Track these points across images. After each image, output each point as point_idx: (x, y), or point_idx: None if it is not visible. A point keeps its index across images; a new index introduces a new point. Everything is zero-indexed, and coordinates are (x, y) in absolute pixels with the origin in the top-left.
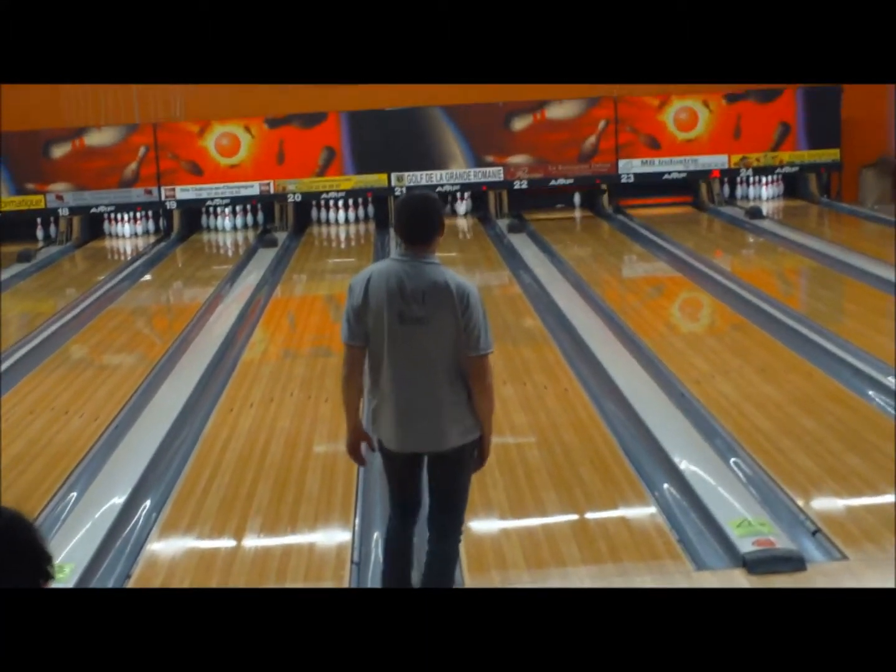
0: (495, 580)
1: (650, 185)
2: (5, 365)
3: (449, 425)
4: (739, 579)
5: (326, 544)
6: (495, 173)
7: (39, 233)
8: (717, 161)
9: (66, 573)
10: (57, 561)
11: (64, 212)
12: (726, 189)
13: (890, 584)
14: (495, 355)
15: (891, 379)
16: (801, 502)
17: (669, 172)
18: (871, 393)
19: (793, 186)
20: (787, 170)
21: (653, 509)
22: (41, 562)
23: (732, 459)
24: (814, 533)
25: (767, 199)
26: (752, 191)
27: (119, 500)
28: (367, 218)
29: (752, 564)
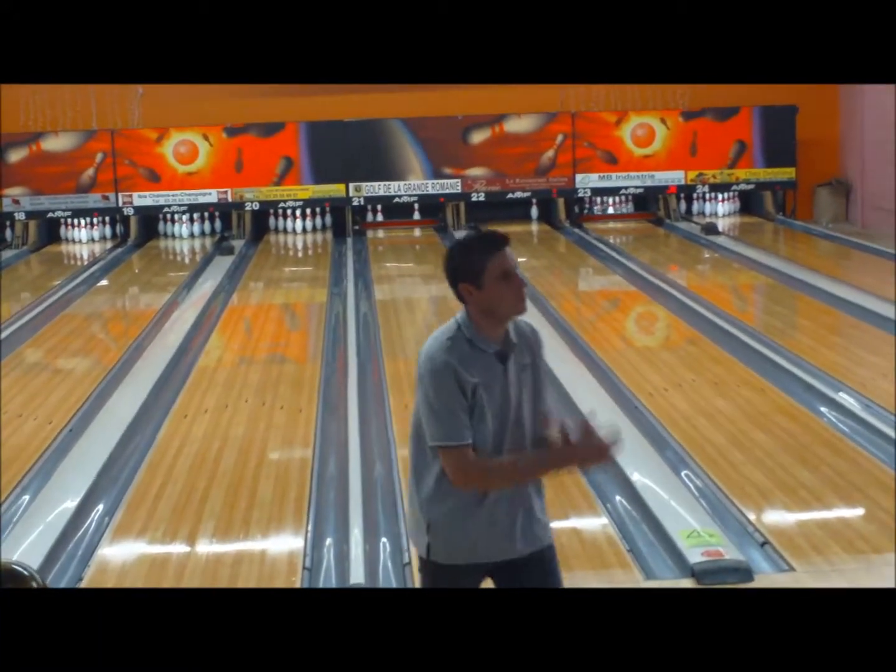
0: None
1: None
2: None
3: (411, 527)
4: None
5: (279, 550)
6: (453, 185)
7: None
8: (673, 177)
9: None
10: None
11: (20, 216)
12: (683, 205)
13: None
14: None
15: (841, 395)
16: (750, 514)
17: (626, 187)
18: (822, 408)
19: (748, 203)
20: (742, 187)
21: (604, 520)
22: None
23: (684, 472)
24: (762, 544)
25: (723, 216)
26: (708, 207)
27: (72, 503)
28: (324, 227)
29: (700, 575)
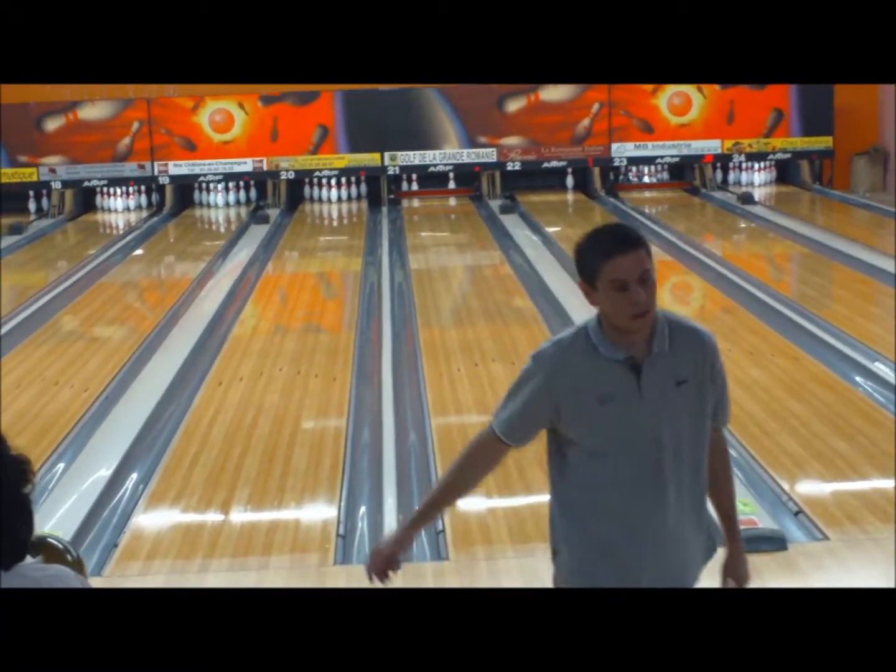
0: (480, 555)
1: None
2: None
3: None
4: (721, 557)
5: (312, 518)
6: (488, 154)
7: (31, 205)
8: (710, 146)
9: None
10: (46, 528)
11: (56, 185)
12: (719, 174)
13: (870, 565)
14: (485, 334)
15: (878, 365)
16: (784, 484)
17: (662, 156)
18: (857, 378)
19: (785, 173)
20: (779, 156)
21: None
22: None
23: None
24: (796, 514)
25: (759, 185)
26: (744, 176)
27: (107, 471)
28: (359, 197)
29: None
